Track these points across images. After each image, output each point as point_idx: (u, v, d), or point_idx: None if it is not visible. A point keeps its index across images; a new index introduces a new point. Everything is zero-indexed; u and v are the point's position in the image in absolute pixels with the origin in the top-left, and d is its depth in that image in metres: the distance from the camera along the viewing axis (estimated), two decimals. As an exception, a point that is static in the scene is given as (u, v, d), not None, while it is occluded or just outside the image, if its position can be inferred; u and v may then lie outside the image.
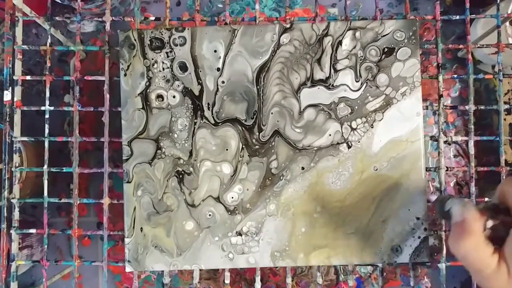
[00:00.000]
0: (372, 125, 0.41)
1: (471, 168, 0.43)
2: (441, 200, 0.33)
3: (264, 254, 0.41)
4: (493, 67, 0.64)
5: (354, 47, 0.41)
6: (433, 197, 0.39)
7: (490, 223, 0.28)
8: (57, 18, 0.46)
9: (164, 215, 0.41)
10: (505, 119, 0.61)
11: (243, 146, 0.41)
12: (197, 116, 0.41)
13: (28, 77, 0.46)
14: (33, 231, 0.44)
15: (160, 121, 0.41)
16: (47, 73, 0.45)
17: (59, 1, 0.56)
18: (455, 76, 0.45)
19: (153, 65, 0.42)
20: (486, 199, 0.44)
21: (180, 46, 0.42)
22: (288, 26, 0.41)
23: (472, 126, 0.43)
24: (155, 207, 0.41)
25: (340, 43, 0.41)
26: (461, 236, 0.28)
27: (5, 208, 0.43)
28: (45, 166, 0.44)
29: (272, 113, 0.41)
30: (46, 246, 0.44)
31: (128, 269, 0.41)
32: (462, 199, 0.32)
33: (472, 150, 0.43)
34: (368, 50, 0.41)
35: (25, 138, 0.45)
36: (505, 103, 0.61)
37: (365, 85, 0.41)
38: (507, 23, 0.58)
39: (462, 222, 0.28)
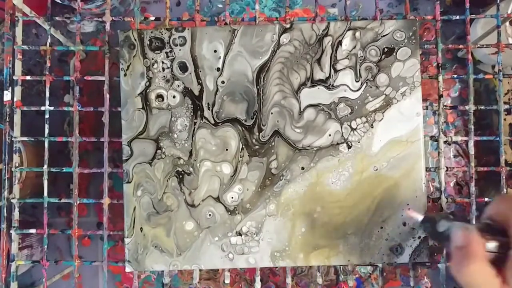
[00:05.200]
0: (372, 125, 0.41)
1: (471, 168, 0.43)
2: (430, 220, 0.32)
3: (264, 254, 0.41)
4: (493, 67, 0.64)
5: (354, 47, 0.41)
6: (417, 217, 0.38)
7: (490, 245, 0.28)
8: (57, 18, 0.46)
9: (164, 215, 0.41)
10: (505, 119, 0.61)
11: (243, 146, 0.41)
12: (197, 116, 0.41)
13: (28, 77, 0.46)
14: (33, 231, 0.44)
15: (160, 121, 0.41)
16: (47, 73, 0.45)
17: (59, 1, 0.56)
18: (455, 76, 0.45)
19: (153, 65, 0.42)
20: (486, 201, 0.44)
21: (180, 46, 0.42)
22: (288, 26, 0.41)
23: (472, 126, 0.43)
24: (155, 207, 0.41)
25: (340, 43, 0.41)
26: (465, 261, 0.27)
27: (5, 208, 0.43)
28: (45, 166, 0.44)
29: (272, 113, 0.41)
30: (46, 246, 0.44)
31: (128, 269, 0.41)
32: (456, 221, 0.31)
33: (472, 150, 0.43)
34: (368, 50, 0.41)
35: (25, 138, 0.45)
36: (505, 103, 0.61)
37: (365, 85, 0.41)
38: (507, 23, 0.58)
39: (465, 247, 0.28)
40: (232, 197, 0.41)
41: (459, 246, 0.28)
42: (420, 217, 0.38)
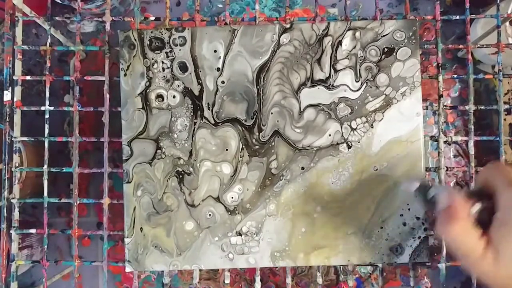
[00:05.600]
0: (372, 125, 0.41)
1: (471, 168, 0.43)
2: (423, 188, 0.33)
3: (264, 254, 0.41)
4: (493, 67, 0.64)
5: (354, 47, 0.41)
6: (413, 186, 0.39)
7: (475, 208, 0.29)
8: (57, 18, 0.46)
9: (164, 215, 0.41)
10: (505, 119, 0.61)
11: (243, 146, 0.41)
12: (197, 116, 0.41)
13: (28, 77, 0.46)
14: (33, 231, 0.44)
15: (160, 121, 0.41)
16: (47, 73, 0.45)
17: (59, 1, 0.56)
18: (455, 76, 0.45)
19: (153, 65, 0.42)
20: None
21: (180, 46, 0.42)
22: (288, 26, 0.41)
23: (472, 126, 0.43)
24: (155, 207, 0.41)
25: (340, 43, 0.41)
26: (448, 222, 0.28)
27: (5, 208, 0.43)
28: (45, 166, 0.44)
29: (272, 113, 0.41)
30: (46, 246, 0.44)
31: (128, 269, 0.41)
32: (446, 185, 0.32)
33: (472, 150, 0.43)
34: (368, 50, 0.41)
35: (25, 138, 0.45)
36: (505, 103, 0.61)
37: (365, 85, 0.41)
38: (507, 23, 0.58)
39: (449, 208, 0.29)
40: (232, 197, 0.41)
41: (445, 208, 0.29)
42: (415, 187, 0.38)
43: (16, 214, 0.45)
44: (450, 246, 0.29)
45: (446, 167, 0.43)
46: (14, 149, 0.45)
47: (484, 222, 0.28)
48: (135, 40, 0.42)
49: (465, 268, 0.29)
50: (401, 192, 0.40)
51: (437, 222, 0.30)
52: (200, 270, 0.44)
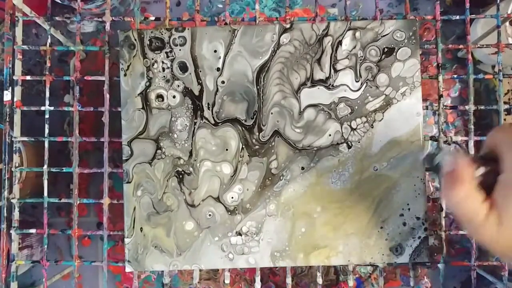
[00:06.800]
0: (372, 125, 0.41)
1: (471, 168, 0.43)
2: (430, 155, 0.33)
3: (264, 254, 0.41)
4: (493, 67, 0.64)
5: (354, 47, 0.41)
6: (421, 155, 0.38)
7: (480, 171, 0.28)
8: (57, 18, 0.46)
9: (164, 215, 0.41)
10: (505, 119, 0.61)
11: (243, 146, 0.41)
12: (197, 116, 0.41)
13: (28, 77, 0.46)
14: (33, 231, 0.44)
15: (160, 121, 0.41)
16: (47, 73, 0.45)
17: (59, 1, 0.56)
18: (455, 76, 0.45)
19: (153, 65, 0.42)
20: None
21: (180, 46, 0.42)
22: (288, 26, 0.41)
23: (472, 126, 0.43)
24: (155, 207, 0.41)
25: (340, 43, 0.41)
26: (452, 185, 0.28)
27: (5, 208, 0.43)
28: (45, 166, 0.44)
29: (272, 113, 0.41)
30: (46, 246, 0.44)
31: (128, 269, 0.41)
32: (452, 150, 0.31)
33: (472, 150, 0.43)
34: (368, 50, 0.41)
35: (25, 138, 0.45)
36: (505, 103, 0.61)
37: (365, 85, 0.41)
38: (507, 23, 0.58)
39: (453, 171, 0.28)
40: (232, 197, 0.41)
41: (448, 171, 0.29)
42: (423, 156, 0.38)
43: (16, 214, 0.45)
44: (454, 211, 0.29)
45: (446, 167, 0.43)
46: (14, 149, 0.45)
47: (490, 186, 0.28)
48: (135, 40, 0.42)
49: (469, 234, 0.29)
50: (401, 192, 0.40)
51: (442, 186, 0.29)
52: (200, 270, 0.44)
